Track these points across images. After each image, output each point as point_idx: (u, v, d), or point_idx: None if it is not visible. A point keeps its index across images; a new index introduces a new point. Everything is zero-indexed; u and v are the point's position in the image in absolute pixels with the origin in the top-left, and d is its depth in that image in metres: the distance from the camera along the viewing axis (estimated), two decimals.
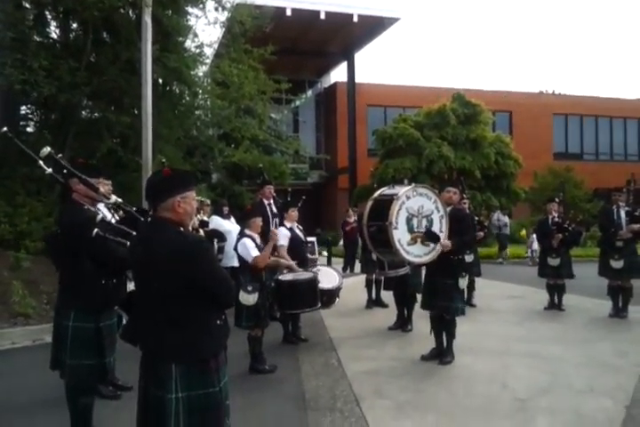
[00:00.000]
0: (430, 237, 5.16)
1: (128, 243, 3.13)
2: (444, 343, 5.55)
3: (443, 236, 5.34)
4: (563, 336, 6.59)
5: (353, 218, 12.36)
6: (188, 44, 12.82)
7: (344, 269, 12.82)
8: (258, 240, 5.31)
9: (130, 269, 3.37)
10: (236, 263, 5.60)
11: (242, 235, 5.26)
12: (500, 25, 78.90)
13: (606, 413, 4.18)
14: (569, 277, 8.17)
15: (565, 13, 77.50)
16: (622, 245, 7.55)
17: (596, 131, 28.81)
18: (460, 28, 78.78)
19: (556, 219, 8.18)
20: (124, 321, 3.58)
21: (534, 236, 15.30)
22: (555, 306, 8.22)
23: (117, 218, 3.92)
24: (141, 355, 2.56)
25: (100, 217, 3.41)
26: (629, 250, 7.62)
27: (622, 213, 7.64)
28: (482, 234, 8.63)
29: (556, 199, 8.59)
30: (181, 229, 2.52)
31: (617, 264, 7.52)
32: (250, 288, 4.98)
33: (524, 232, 18.16)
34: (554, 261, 8.07)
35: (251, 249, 5.13)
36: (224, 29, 13.96)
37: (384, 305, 8.31)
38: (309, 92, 27.85)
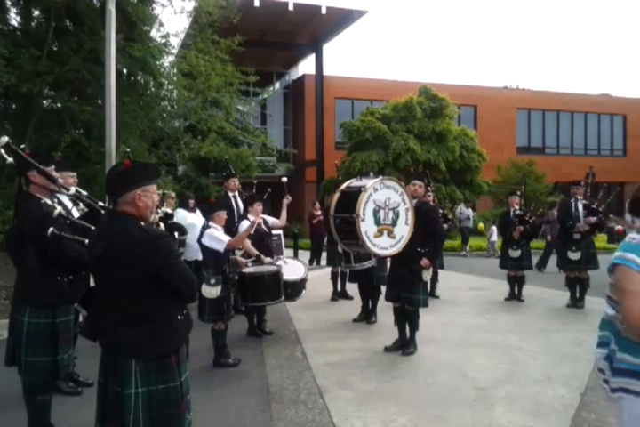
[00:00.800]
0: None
1: (86, 241, 3.08)
2: (407, 335, 5.65)
3: (409, 228, 5.42)
4: (522, 326, 6.78)
5: (320, 211, 12.40)
6: (154, 33, 12.57)
7: (310, 261, 12.88)
8: (222, 232, 5.28)
9: (87, 268, 3.33)
10: (199, 257, 5.57)
11: (205, 227, 5.24)
12: (466, 20, 79.71)
13: (562, 400, 4.34)
14: (528, 269, 8.39)
15: (530, 10, 78.66)
16: (580, 237, 7.77)
17: (557, 125, 29.39)
18: (427, 23, 79.33)
19: (518, 212, 8.37)
20: (81, 318, 3.54)
21: (494, 228, 15.70)
22: (515, 297, 8.43)
23: (80, 211, 3.86)
24: (101, 350, 2.54)
25: (57, 212, 3.33)
26: (586, 242, 7.85)
27: (580, 206, 7.86)
28: (446, 226, 8.77)
29: (518, 192, 8.78)
30: (142, 223, 2.50)
31: (574, 256, 7.75)
32: (213, 281, 4.98)
33: (481, 225, 18.47)
34: (514, 253, 8.27)
35: (220, 236, 5.10)
36: (191, 19, 13.74)
37: (349, 297, 8.39)
38: (277, 85, 27.65)
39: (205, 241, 5.14)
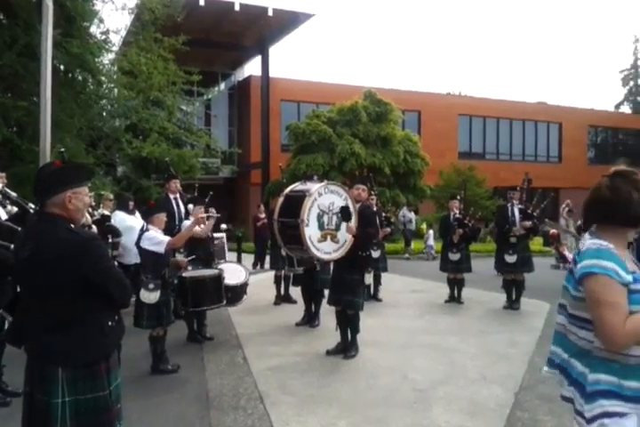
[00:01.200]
0: (344, 213, 5.26)
1: (12, 246, 2.93)
2: (349, 338, 5.67)
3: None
4: (460, 328, 6.93)
5: (264, 214, 12.33)
6: (93, 29, 12.24)
7: (254, 265, 12.77)
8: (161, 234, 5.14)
9: (12, 272, 3.17)
10: (139, 260, 5.41)
11: (143, 230, 5.08)
12: (411, 26, 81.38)
13: (497, 399, 4.45)
14: (467, 271, 8.59)
15: (473, 19, 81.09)
16: (516, 240, 8.03)
17: (497, 132, 30.30)
18: (373, 28, 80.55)
19: (458, 215, 8.56)
20: (6, 324, 3.38)
21: (430, 232, 16.08)
22: (454, 299, 8.62)
23: (8, 213, 3.68)
24: (27, 358, 2.42)
25: None
26: (522, 245, 8.12)
27: (516, 211, 8.12)
28: (389, 230, 8.87)
29: (458, 197, 8.99)
30: (72, 225, 2.40)
31: (511, 259, 8.00)
32: (151, 286, 4.83)
33: (424, 226, 18.86)
34: (454, 256, 8.46)
35: (159, 237, 4.96)
36: (133, 16, 13.42)
37: (292, 301, 8.36)
38: (222, 85, 27.35)
39: (144, 244, 4.98)
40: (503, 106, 29.68)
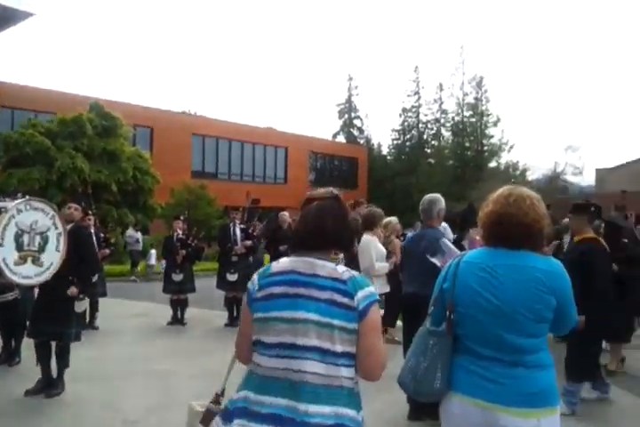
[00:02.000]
0: None
1: None
2: (55, 373, 5.14)
3: (60, 255, 5.02)
4: (181, 350, 6.86)
5: None
6: None
7: None
8: None
9: None
10: None
11: None
12: (141, 42, 79.96)
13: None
14: (191, 292, 8.60)
15: (211, 41, 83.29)
16: (237, 259, 8.36)
17: (229, 153, 31.55)
18: (104, 37, 76.89)
19: (180, 236, 8.54)
20: None
21: (152, 251, 15.87)
22: (178, 321, 8.52)
23: None
24: None
25: None
26: (244, 264, 8.47)
27: (238, 230, 8.46)
28: (107, 251, 8.39)
29: (182, 217, 8.99)
30: None
31: (232, 277, 8.29)
32: None
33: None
34: (177, 277, 8.41)
35: None
36: None
37: None
38: None
39: None
40: (236, 128, 31.08)
